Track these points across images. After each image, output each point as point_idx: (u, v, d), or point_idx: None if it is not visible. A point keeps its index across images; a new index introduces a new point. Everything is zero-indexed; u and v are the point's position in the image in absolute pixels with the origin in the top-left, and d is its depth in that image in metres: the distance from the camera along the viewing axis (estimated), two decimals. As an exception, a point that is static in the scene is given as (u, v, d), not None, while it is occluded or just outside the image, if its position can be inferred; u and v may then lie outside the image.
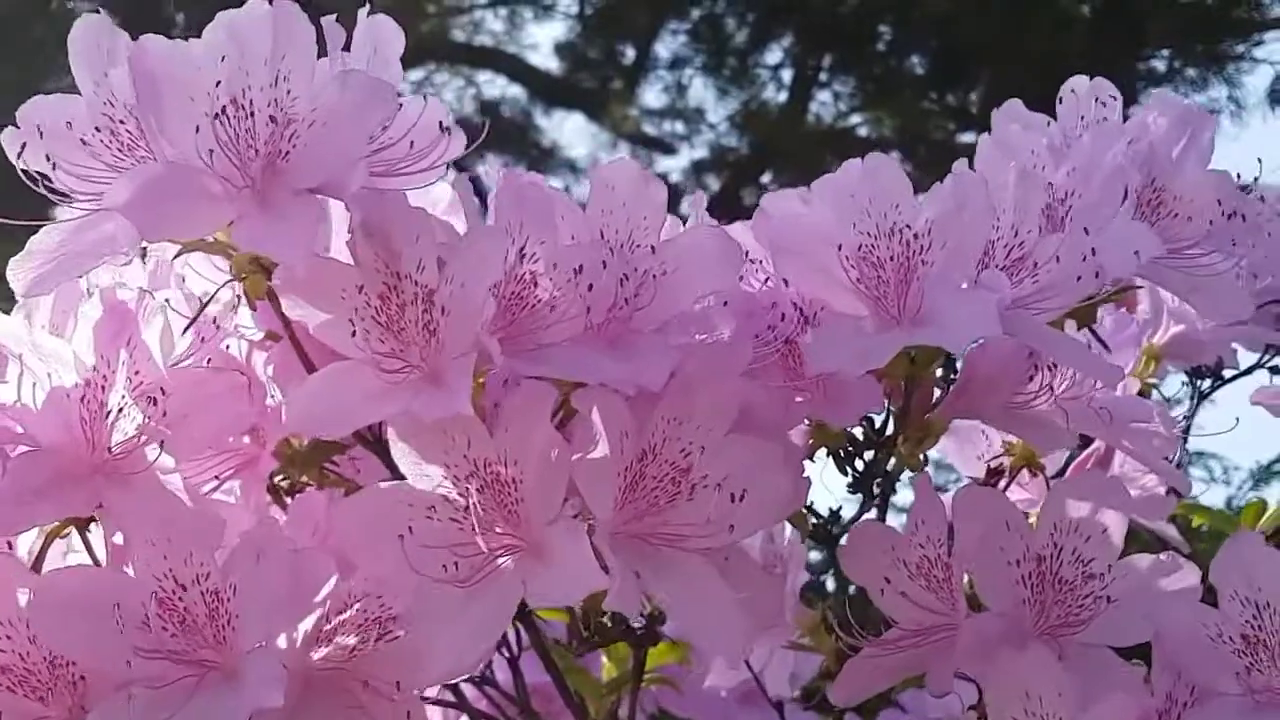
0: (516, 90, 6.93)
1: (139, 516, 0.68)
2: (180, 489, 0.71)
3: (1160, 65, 6.08)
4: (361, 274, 0.65)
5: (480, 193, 0.78)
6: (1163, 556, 0.75)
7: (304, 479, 0.77)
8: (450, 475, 0.65)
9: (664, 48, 6.92)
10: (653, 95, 7.01)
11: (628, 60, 7.04)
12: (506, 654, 0.87)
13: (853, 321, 0.73)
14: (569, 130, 6.97)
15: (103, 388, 0.69)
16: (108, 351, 0.69)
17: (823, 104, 6.74)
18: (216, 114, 0.64)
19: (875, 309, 0.73)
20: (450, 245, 0.65)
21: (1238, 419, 1.02)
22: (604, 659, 0.99)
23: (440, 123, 0.71)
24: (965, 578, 0.74)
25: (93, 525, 0.72)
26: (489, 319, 0.64)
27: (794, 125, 6.45)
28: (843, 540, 0.84)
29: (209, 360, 0.74)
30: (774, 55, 6.79)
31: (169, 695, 0.64)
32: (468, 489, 0.64)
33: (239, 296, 0.75)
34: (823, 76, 6.73)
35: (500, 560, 0.64)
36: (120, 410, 0.69)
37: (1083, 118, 0.85)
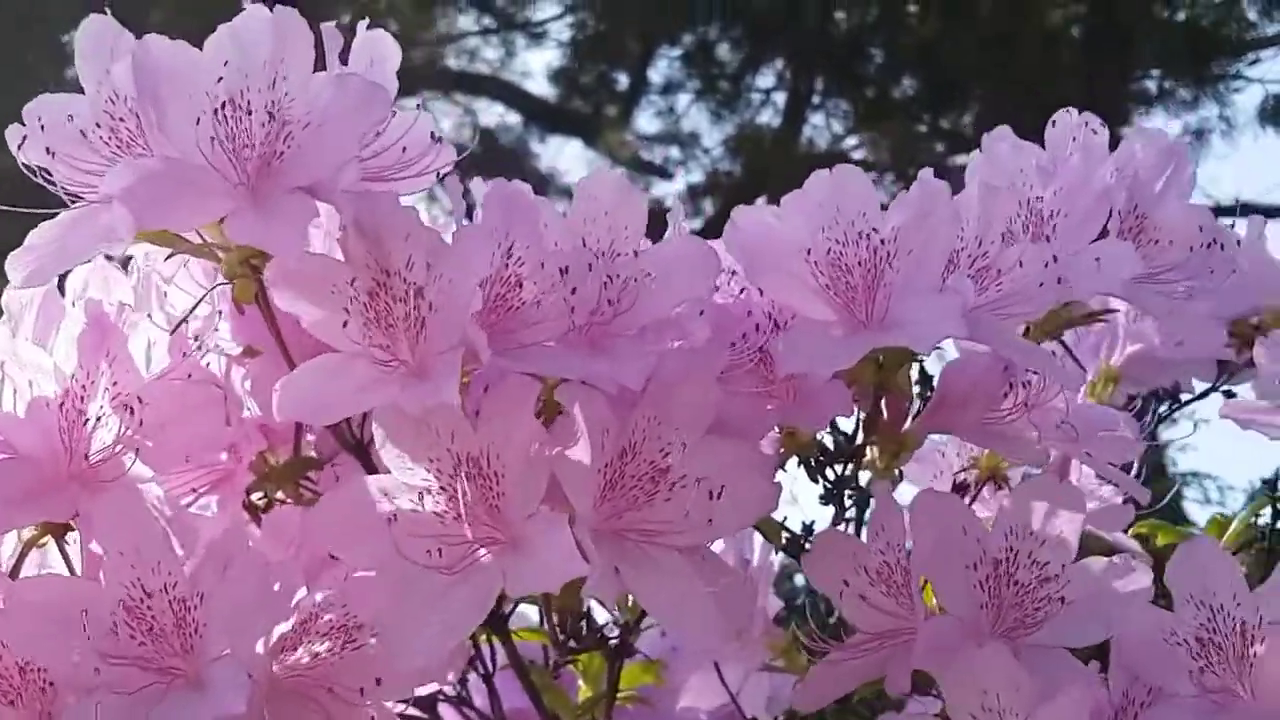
0: (513, 117, 6.99)
1: (112, 524, 0.69)
2: (159, 499, 0.73)
3: (1151, 85, 6.14)
4: (352, 270, 0.68)
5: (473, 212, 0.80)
6: (1116, 559, 0.76)
7: (280, 495, 0.79)
8: (434, 469, 0.67)
9: (657, 73, 6.98)
10: (646, 120, 7.08)
11: (621, 86, 7.09)
12: (482, 671, 0.88)
13: (822, 325, 0.75)
14: (566, 157, 7.03)
15: (82, 397, 0.71)
16: (88, 361, 0.71)
17: (815, 127, 6.81)
18: (214, 110, 0.67)
19: (844, 314, 0.75)
20: (439, 247, 0.68)
21: (1202, 423, 1.04)
22: (580, 683, 1.01)
23: (432, 133, 0.73)
24: (923, 582, 0.76)
25: (70, 535, 0.73)
26: (476, 316, 0.66)
27: (788, 149, 6.51)
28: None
29: (189, 375, 0.75)
30: (766, 79, 6.87)
31: (135, 702, 0.65)
32: (451, 482, 0.66)
33: (219, 313, 0.77)
34: (815, 99, 6.79)
35: (480, 552, 0.66)
36: (99, 420, 0.71)
37: (1074, 139, 0.87)
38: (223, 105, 0.67)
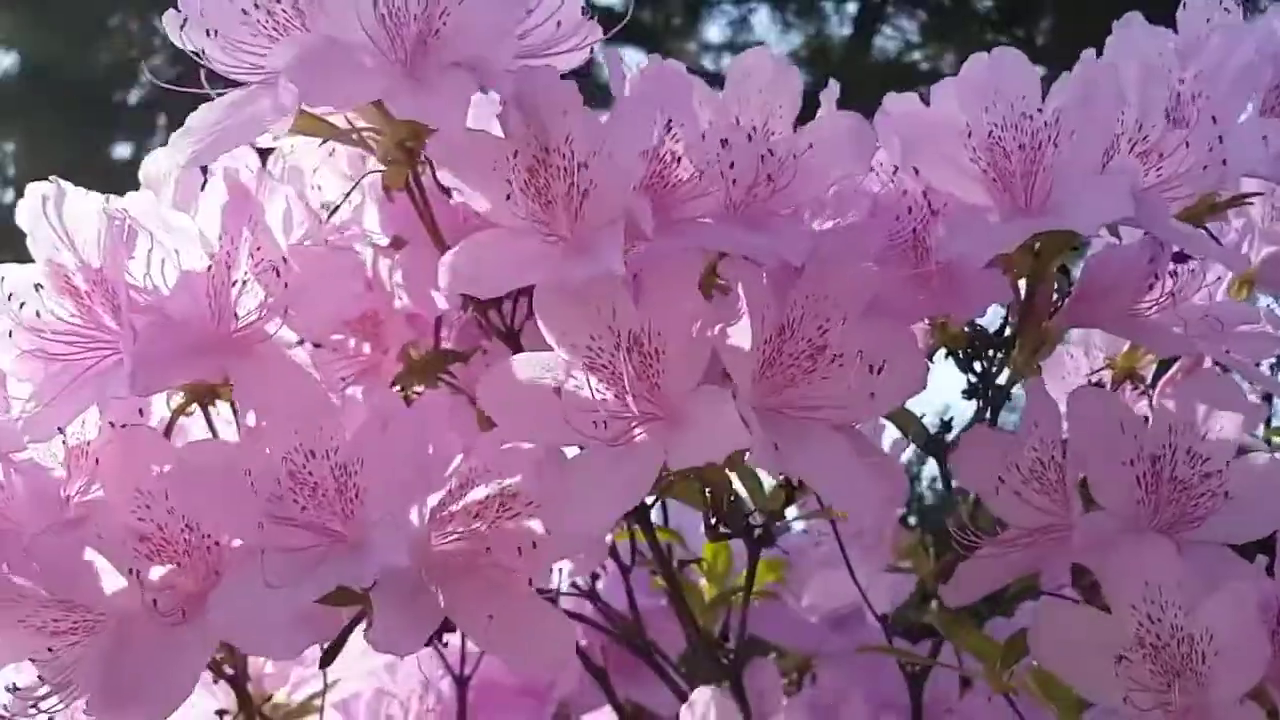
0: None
1: (263, 385, 0.70)
2: (305, 362, 0.74)
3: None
4: (513, 145, 0.67)
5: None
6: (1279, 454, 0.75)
7: (420, 389, 0.80)
8: (596, 345, 0.67)
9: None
10: (715, 30, 6.93)
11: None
12: (620, 566, 0.89)
13: (981, 210, 0.74)
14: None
15: (227, 264, 0.72)
16: (233, 227, 0.72)
17: (888, 38, 6.65)
18: None
19: (1003, 198, 0.74)
20: (598, 122, 0.67)
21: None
22: (703, 581, 1.02)
23: (583, 6, 0.72)
24: (1079, 478, 0.75)
25: (217, 405, 0.75)
26: (638, 189, 0.66)
27: (858, 61, 6.37)
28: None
29: (327, 241, 0.76)
30: (839, -11, 6.70)
31: (300, 560, 0.66)
32: (612, 359, 0.66)
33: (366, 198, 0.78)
34: (888, 10, 6.63)
35: (641, 428, 0.66)
36: (244, 284, 0.72)
37: (1208, 20, 0.84)
38: None
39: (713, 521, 0.75)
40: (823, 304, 0.68)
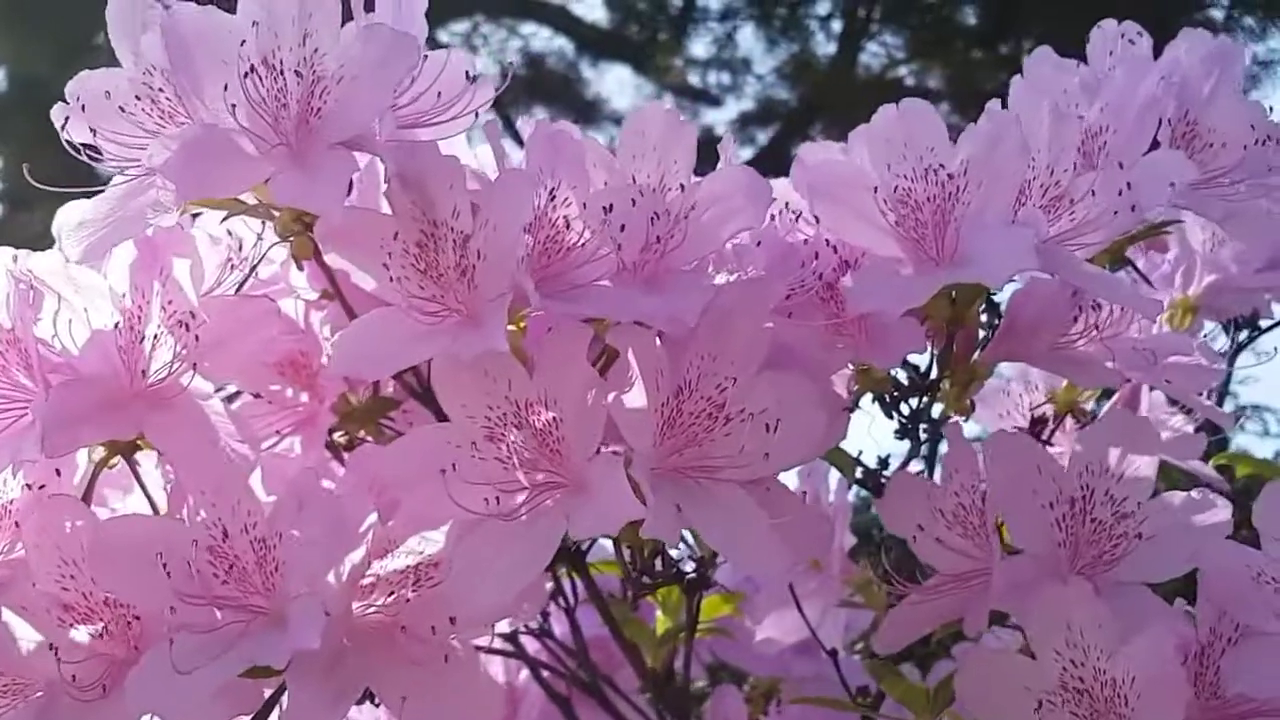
0: (563, 42, 6.90)
1: (179, 439, 0.70)
2: (220, 413, 0.74)
3: (1218, 14, 5.93)
4: (398, 222, 0.67)
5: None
6: (1194, 493, 0.75)
7: (362, 434, 0.79)
8: (493, 417, 0.66)
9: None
10: (701, 47, 6.95)
11: (675, 10, 6.97)
12: (563, 605, 0.89)
13: (892, 263, 0.74)
14: (614, 83, 6.94)
15: (138, 318, 0.71)
16: (142, 283, 0.72)
17: (873, 55, 6.66)
18: (246, 73, 0.66)
19: (914, 251, 0.73)
20: (484, 191, 0.67)
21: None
22: (659, 613, 1.01)
23: (466, 72, 0.72)
24: (998, 521, 0.74)
25: (139, 456, 0.74)
26: (524, 261, 0.65)
27: (843, 77, 6.38)
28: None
29: (238, 288, 0.76)
30: (823, 5, 6.72)
31: (212, 640, 0.65)
32: (510, 429, 0.66)
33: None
34: (873, 27, 6.65)
35: (544, 497, 0.66)
36: (156, 339, 0.71)
37: (1111, 53, 0.84)
38: (253, 68, 0.67)
39: (634, 574, 0.74)
40: (719, 362, 0.68)
